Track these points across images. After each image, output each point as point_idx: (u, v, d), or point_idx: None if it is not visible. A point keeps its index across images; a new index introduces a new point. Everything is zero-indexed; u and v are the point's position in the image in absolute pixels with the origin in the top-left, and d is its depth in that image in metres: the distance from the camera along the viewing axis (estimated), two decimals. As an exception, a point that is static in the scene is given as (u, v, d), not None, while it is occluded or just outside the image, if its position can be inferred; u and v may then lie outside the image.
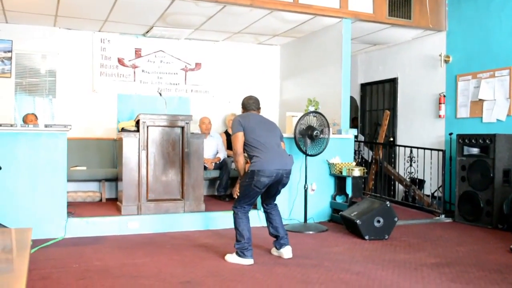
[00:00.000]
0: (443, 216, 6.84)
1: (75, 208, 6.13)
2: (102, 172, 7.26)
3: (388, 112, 8.42)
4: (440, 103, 7.66)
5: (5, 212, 5.06)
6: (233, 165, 6.92)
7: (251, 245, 4.44)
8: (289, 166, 4.56)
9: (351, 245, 5.22)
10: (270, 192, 4.61)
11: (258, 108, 4.79)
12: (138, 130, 6.01)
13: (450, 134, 7.18)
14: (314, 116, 6.09)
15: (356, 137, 7.37)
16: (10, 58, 7.43)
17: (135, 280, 3.89)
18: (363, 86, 9.66)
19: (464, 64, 7.38)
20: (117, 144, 7.06)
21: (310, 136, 6.00)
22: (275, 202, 4.77)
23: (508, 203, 5.98)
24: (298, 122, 6.03)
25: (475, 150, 6.48)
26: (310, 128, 6.00)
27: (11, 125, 5.38)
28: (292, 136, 6.07)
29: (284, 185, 4.61)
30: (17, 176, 5.23)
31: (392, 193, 8.20)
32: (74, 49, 7.78)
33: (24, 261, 1.58)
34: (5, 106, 7.40)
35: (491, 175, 6.18)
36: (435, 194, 7.42)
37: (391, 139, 8.71)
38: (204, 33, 8.00)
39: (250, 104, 4.75)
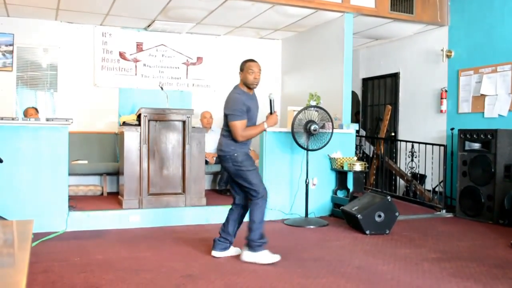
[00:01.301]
0: (444, 211, 6.84)
1: (76, 201, 6.14)
2: (103, 166, 7.27)
3: (389, 107, 8.41)
4: (441, 98, 7.65)
5: (7, 205, 5.07)
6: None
7: (222, 237, 4.42)
8: (219, 151, 4.40)
9: (352, 240, 5.23)
10: None
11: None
12: (139, 124, 6.01)
13: (452, 129, 7.17)
14: (316, 111, 6.08)
15: (357, 131, 7.37)
16: (11, 52, 7.42)
17: (137, 274, 3.90)
18: (365, 81, 9.65)
19: (466, 59, 7.36)
20: (118, 138, 7.06)
21: (308, 131, 5.98)
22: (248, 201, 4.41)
23: (509, 198, 5.97)
24: (295, 116, 6.02)
25: (476, 145, 6.47)
26: (309, 122, 5.98)
27: (13, 119, 5.39)
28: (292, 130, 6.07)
29: (226, 169, 4.45)
30: (18, 170, 5.24)
31: (393, 188, 8.20)
32: (75, 43, 7.78)
33: (25, 253, 1.58)
34: (7, 100, 7.40)
35: (493, 170, 6.18)
36: (436, 189, 7.42)
37: (393, 134, 8.70)
38: (205, 27, 7.99)
39: None
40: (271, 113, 4.45)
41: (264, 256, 4.22)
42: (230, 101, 4.33)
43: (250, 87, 4.37)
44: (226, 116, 4.33)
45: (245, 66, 4.40)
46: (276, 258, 4.23)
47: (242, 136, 4.24)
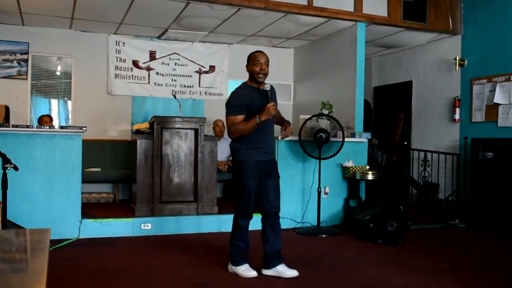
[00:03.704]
0: (457, 220, 6.77)
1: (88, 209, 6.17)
2: (116, 174, 7.31)
3: (402, 115, 8.37)
4: (455, 107, 7.60)
5: (21, 212, 5.10)
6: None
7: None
8: (231, 152, 4.26)
9: (364, 249, 5.20)
10: None
11: None
12: (152, 132, 6.04)
13: (465, 138, 7.12)
14: (327, 119, 6.08)
15: (370, 140, 7.35)
16: (26, 60, 7.51)
17: (149, 281, 3.91)
18: (377, 89, 9.62)
19: (479, 67, 7.31)
20: (131, 146, 7.10)
21: (316, 139, 5.97)
22: None
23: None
24: (302, 125, 6.03)
25: (490, 155, 6.42)
26: (320, 131, 5.98)
27: (27, 126, 5.45)
28: (304, 139, 6.07)
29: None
30: (32, 177, 5.29)
31: (406, 197, 8.14)
32: (89, 51, 7.85)
33: (43, 263, 1.59)
34: (21, 108, 7.48)
35: (506, 179, 6.12)
36: (450, 198, 7.36)
37: (405, 142, 8.65)
38: (218, 35, 8.03)
39: None
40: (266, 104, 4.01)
41: (241, 271, 4.12)
42: (229, 97, 4.16)
43: (257, 79, 4.05)
44: None
45: (251, 57, 4.09)
46: (252, 274, 4.09)
47: (232, 132, 4.02)
